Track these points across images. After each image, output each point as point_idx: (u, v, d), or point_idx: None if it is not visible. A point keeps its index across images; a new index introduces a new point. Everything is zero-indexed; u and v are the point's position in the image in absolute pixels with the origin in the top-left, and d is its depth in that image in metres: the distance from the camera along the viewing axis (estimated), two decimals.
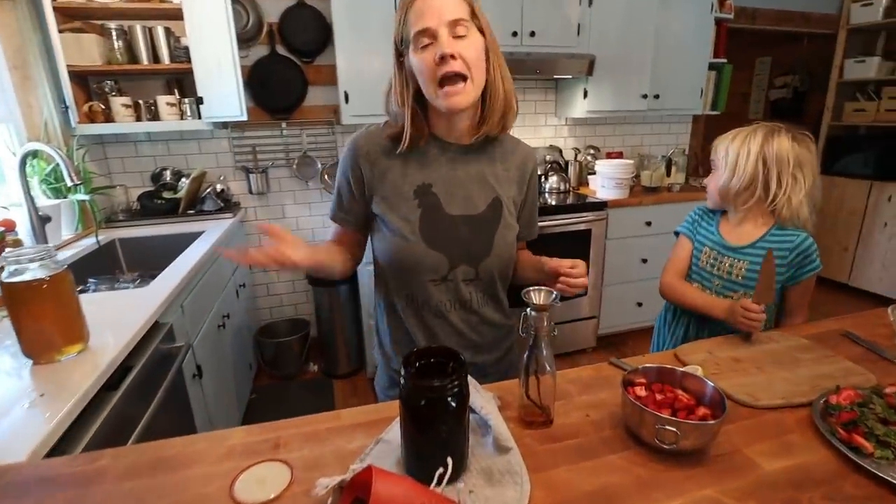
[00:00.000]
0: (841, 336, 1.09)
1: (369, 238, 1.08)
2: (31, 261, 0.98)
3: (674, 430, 0.66)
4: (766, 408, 0.81)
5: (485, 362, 1.08)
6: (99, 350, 1.09)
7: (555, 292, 0.74)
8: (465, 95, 0.88)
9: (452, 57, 0.84)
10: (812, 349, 1.00)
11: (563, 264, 0.97)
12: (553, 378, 0.76)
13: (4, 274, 0.97)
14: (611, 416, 0.80)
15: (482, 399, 0.76)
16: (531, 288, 0.75)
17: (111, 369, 1.05)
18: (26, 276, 0.97)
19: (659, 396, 0.76)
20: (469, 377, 0.77)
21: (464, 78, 0.86)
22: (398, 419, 0.67)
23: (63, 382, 0.95)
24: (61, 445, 0.87)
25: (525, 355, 0.76)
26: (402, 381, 0.62)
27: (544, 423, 0.78)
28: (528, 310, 0.74)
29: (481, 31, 0.90)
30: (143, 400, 1.17)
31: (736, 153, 1.18)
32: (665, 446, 0.68)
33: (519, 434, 0.76)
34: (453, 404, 0.61)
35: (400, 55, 0.93)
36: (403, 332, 1.05)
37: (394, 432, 0.75)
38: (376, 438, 0.75)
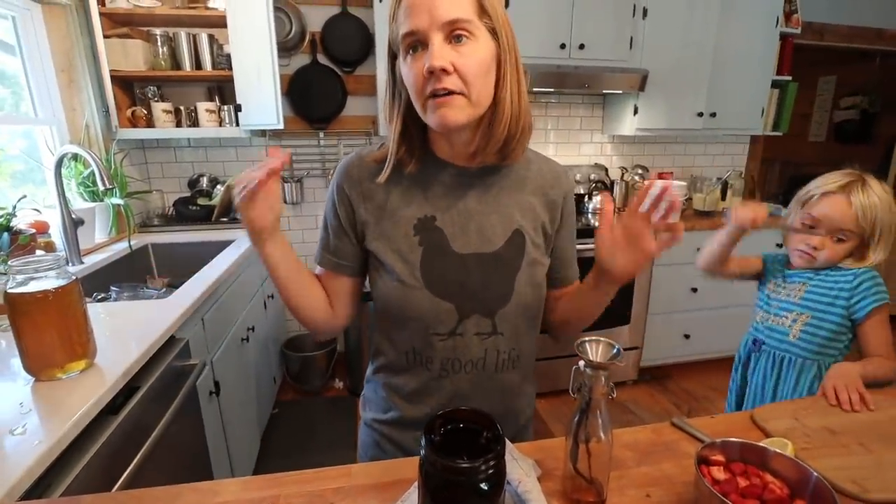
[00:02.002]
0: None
1: (367, 279, 0.88)
2: (38, 270, 0.91)
3: None
4: (879, 503, 0.65)
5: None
6: (105, 368, 1.01)
7: (616, 346, 0.60)
8: (458, 110, 0.68)
9: (445, 71, 0.65)
10: None
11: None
12: (609, 449, 0.62)
13: (10, 283, 0.91)
14: (678, 499, 0.65)
15: (520, 469, 0.63)
16: (586, 339, 0.61)
17: (113, 392, 0.96)
18: (30, 287, 0.90)
19: (742, 482, 0.61)
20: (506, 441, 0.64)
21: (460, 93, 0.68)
22: (416, 485, 0.54)
23: (60, 405, 0.87)
24: (48, 477, 0.79)
25: (575, 420, 0.63)
26: (421, 451, 0.50)
27: (595, 503, 0.64)
28: (582, 365, 0.61)
29: (494, 33, 0.69)
30: (149, 424, 1.08)
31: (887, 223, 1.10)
32: None
33: None
34: (486, 488, 0.49)
35: (394, 58, 0.74)
36: (397, 391, 0.86)
37: (411, 501, 0.63)
38: None
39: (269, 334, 2.43)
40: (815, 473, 0.59)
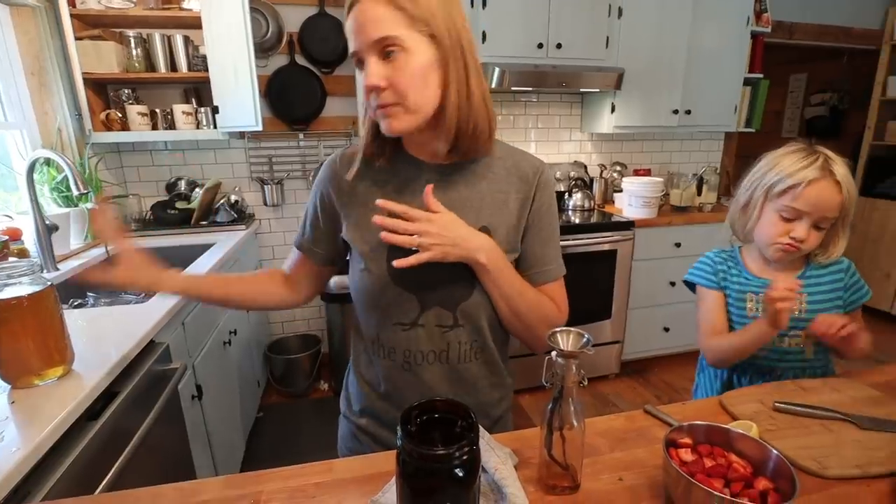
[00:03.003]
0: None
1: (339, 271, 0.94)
2: (11, 277, 0.91)
3: None
4: (837, 478, 0.68)
5: None
6: (83, 374, 1.00)
7: (586, 335, 0.62)
8: (399, 120, 0.73)
9: (379, 87, 0.70)
10: (883, 403, 0.86)
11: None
12: (581, 435, 0.64)
13: None
14: (649, 482, 0.68)
15: (496, 458, 0.65)
16: (557, 330, 0.64)
17: (93, 396, 0.96)
18: (4, 294, 0.89)
19: (709, 462, 0.64)
20: (481, 430, 0.66)
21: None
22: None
23: (37, 412, 0.86)
24: (27, 484, 0.78)
25: (548, 407, 0.65)
26: (398, 442, 0.51)
27: (570, 488, 0.66)
28: (554, 355, 0.63)
29: (434, 37, 0.71)
30: (130, 429, 1.08)
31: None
32: None
33: (540, 502, 0.64)
34: (461, 474, 0.50)
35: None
36: (369, 383, 0.90)
37: (391, 494, 0.64)
38: (372, 500, 0.64)
39: (251, 337, 2.42)
40: (776, 452, 0.62)
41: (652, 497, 0.65)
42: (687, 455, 0.65)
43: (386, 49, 0.69)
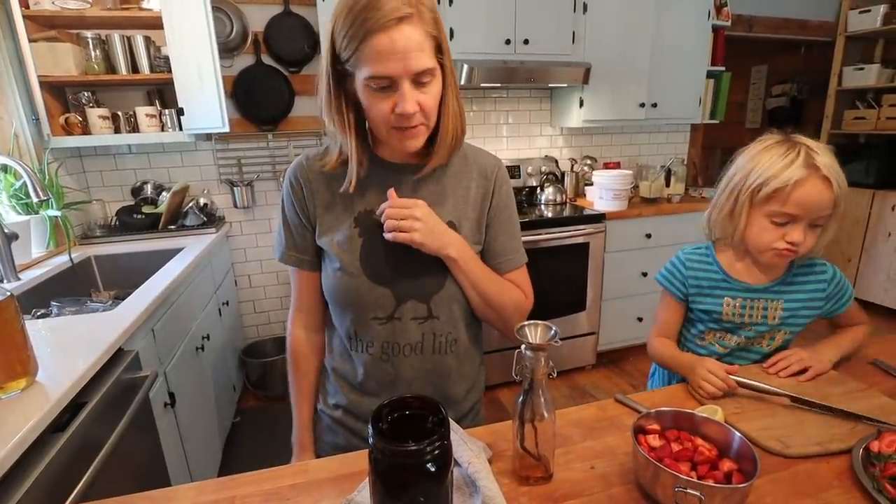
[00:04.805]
0: (868, 365, 0.99)
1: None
2: None
3: (696, 493, 0.56)
4: (799, 457, 0.71)
5: None
6: (49, 385, 0.97)
7: (553, 328, 0.63)
8: (421, 138, 0.79)
9: (414, 112, 0.74)
10: (842, 382, 0.90)
11: None
12: (552, 425, 0.66)
13: None
14: (620, 469, 0.70)
15: (469, 451, 0.66)
16: (525, 323, 0.65)
17: (58, 408, 0.93)
18: None
19: (676, 447, 0.66)
20: (454, 425, 0.67)
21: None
22: None
23: None
24: None
25: (519, 400, 0.66)
26: (370, 440, 0.52)
27: (543, 478, 0.68)
28: (523, 348, 0.64)
29: (443, 63, 0.76)
30: (99, 439, 1.05)
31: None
32: None
33: (513, 493, 0.65)
34: (433, 469, 0.51)
35: (340, 72, 0.77)
36: (344, 378, 0.92)
37: (367, 491, 0.64)
38: (346, 499, 0.64)
39: (225, 342, 2.38)
40: (739, 435, 0.65)
41: (623, 483, 0.67)
42: (655, 441, 0.67)
43: (422, 79, 0.73)
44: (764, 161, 0.93)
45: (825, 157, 0.90)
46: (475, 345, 0.95)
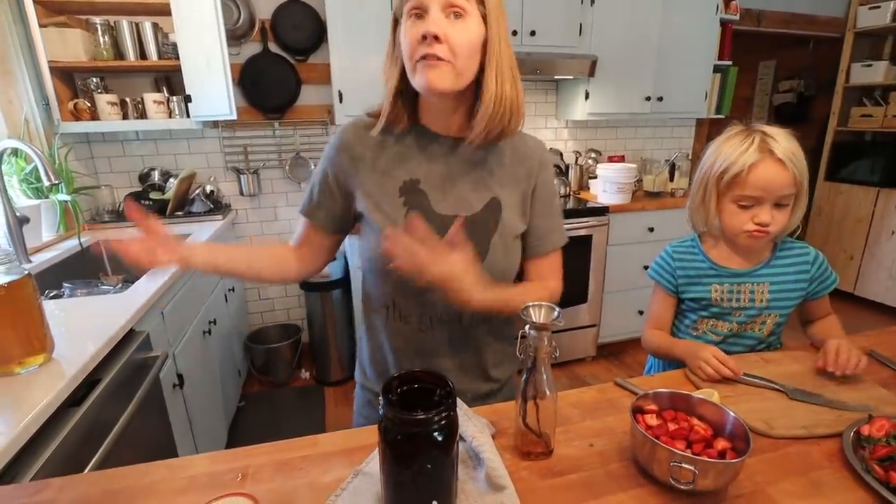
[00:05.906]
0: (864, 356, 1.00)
1: (356, 241, 0.97)
2: None
3: (691, 468, 0.58)
4: (782, 437, 0.73)
5: (474, 391, 0.94)
6: (64, 362, 1.01)
7: (557, 309, 0.66)
8: (443, 76, 0.75)
9: (437, 38, 0.73)
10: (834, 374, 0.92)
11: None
12: (554, 404, 0.68)
13: None
14: (618, 447, 0.72)
15: (474, 427, 0.68)
16: (530, 303, 0.67)
17: (74, 383, 0.96)
18: None
19: (672, 426, 0.68)
20: (459, 402, 0.69)
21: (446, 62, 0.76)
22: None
23: (19, 398, 0.87)
24: (14, 468, 0.79)
25: (522, 378, 0.68)
26: (380, 410, 0.54)
27: (543, 454, 0.70)
28: (527, 328, 0.66)
29: (485, 20, 0.77)
30: (113, 415, 1.08)
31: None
32: (680, 486, 0.60)
33: (515, 466, 0.68)
34: (440, 438, 0.53)
35: (395, 23, 0.82)
36: (381, 349, 0.94)
37: (375, 463, 0.67)
38: (355, 470, 0.67)
39: (231, 327, 2.41)
40: (733, 415, 0.67)
41: (620, 460, 0.70)
42: (652, 420, 0.70)
43: (453, 10, 0.74)
44: (725, 149, 1.01)
45: (782, 142, 0.96)
46: (507, 324, 0.96)
